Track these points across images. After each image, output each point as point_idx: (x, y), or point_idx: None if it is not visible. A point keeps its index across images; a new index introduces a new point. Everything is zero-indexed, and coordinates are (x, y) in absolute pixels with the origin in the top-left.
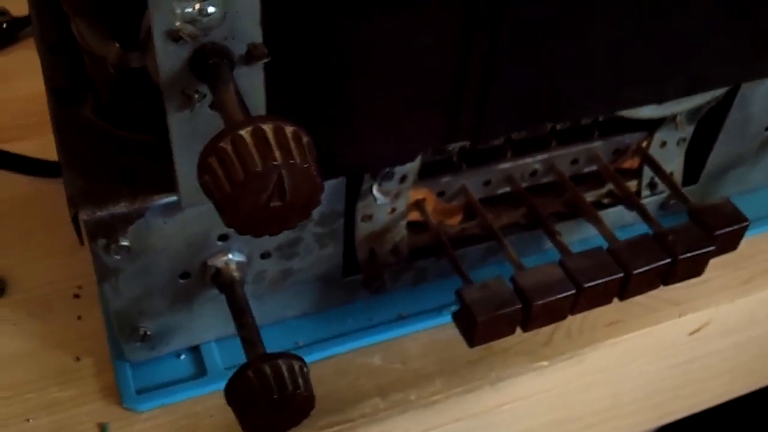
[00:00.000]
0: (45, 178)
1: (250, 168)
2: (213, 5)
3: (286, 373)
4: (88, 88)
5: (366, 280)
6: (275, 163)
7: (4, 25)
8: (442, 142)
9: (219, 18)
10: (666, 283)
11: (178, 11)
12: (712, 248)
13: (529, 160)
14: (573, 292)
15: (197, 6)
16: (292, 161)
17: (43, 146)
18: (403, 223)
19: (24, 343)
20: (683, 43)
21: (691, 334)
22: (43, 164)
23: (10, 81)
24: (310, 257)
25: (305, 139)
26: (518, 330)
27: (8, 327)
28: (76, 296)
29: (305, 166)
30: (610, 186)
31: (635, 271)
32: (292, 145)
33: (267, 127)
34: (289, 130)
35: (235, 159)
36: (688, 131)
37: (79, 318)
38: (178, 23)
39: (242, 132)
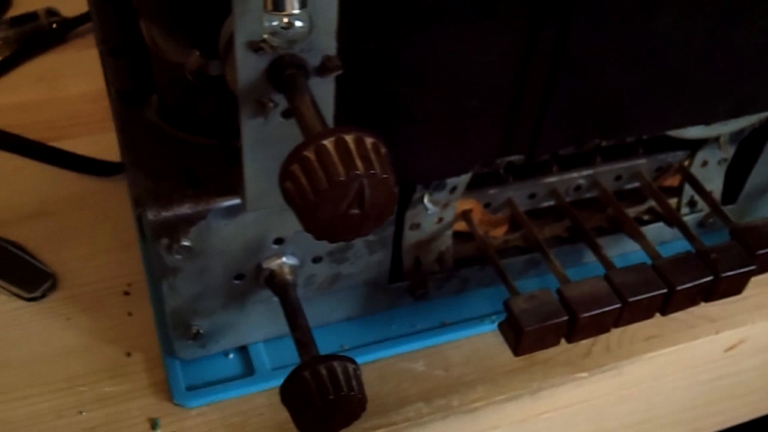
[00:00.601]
0: (97, 176)
1: (333, 177)
2: (301, 20)
3: (341, 375)
4: (151, 91)
5: (411, 287)
6: (357, 172)
7: (54, 26)
8: (497, 156)
9: (305, 32)
10: (707, 300)
11: (266, 24)
12: (753, 267)
13: (574, 175)
14: (618, 305)
15: (285, 20)
16: (373, 171)
17: (93, 144)
18: (449, 232)
19: (77, 337)
20: (735, 66)
21: (727, 350)
22: (96, 163)
23: (60, 80)
24: (359, 263)
25: (383, 151)
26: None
27: (62, 321)
28: (126, 293)
29: (384, 176)
30: (651, 202)
31: (679, 287)
32: (373, 156)
33: (349, 138)
34: (369, 141)
35: (318, 168)
36: (729, 152)
37: (130, 314)
38: (264, 35)
39: (325, 142)
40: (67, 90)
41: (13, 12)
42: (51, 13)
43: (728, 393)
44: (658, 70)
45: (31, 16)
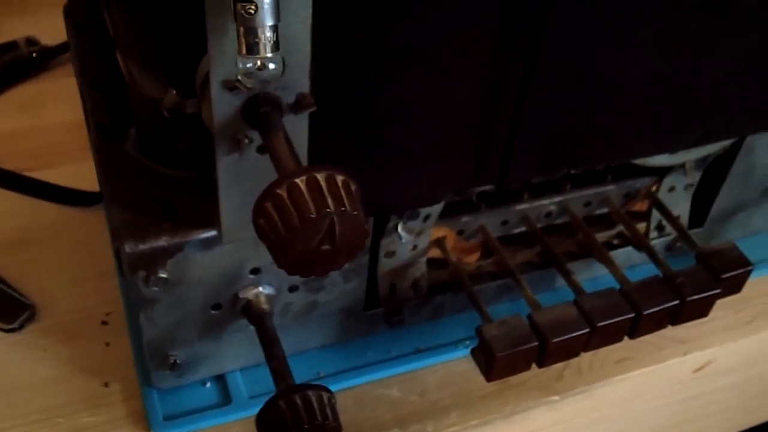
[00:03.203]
0: (74, 206)
1: (305, 214)
2: (274, 62)
3: (315, 404)
4: (129, 124)
5: (386, 314)
6: (328, 210)
7: (34, 55)
8: (468, 186)
9: (278, 74)
10: (674, 323)
11: (240, 65)
12: (718, 291)
13: (544, 201)
14: (587, 330)
15: (259, 62)
16: (343, 209)
17: (73, 173)
18: (424, 259)
19: (54, 368)
20: (697, 99)
21: (696, 371)
22: (74, 193)
23: (40, 109)
24: (334, 291)
25: (353, 188)
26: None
27: (38, 352)
28: (104, 323)
29: (354, 213)
30: (620, 227)
31: (646, 312)
32: (343, 193)
33: (320, 176)
34: (339, 179)
35: (290, 205)
36: (695, 177)
37: (108, 344)
38: (239, 76)
39: (297, 180)
40: (47, 119)
41: None
42: (31, 42)
43: (698, 413)
44: (624, 103)
45: (11, 46)
